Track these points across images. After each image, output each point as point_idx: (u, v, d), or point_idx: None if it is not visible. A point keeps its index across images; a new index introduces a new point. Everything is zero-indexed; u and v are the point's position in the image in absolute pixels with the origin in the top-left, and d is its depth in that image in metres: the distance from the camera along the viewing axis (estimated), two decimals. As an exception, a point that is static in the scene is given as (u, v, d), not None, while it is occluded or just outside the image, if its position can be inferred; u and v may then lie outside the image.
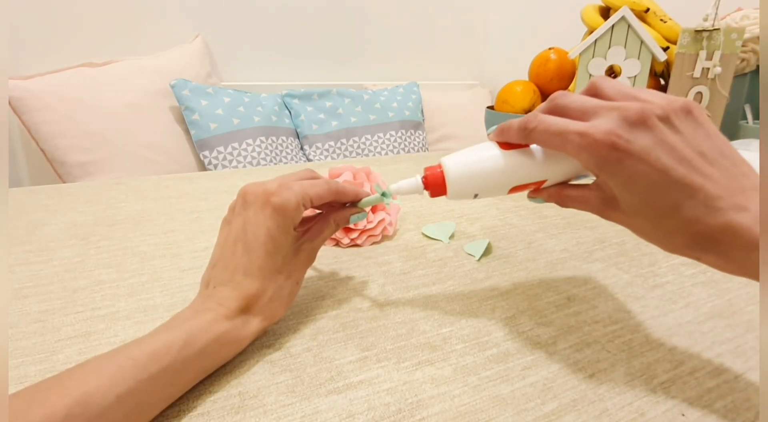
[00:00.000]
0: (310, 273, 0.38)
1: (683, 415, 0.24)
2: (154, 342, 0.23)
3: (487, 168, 0.27)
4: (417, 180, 0.29)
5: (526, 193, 0.30)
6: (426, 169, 0.29)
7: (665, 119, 0.22)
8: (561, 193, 0.28)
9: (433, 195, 0.29)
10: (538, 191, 0.29)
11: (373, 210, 0.44)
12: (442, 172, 0.28)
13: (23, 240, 0.44)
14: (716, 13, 0.60)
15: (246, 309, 0.27)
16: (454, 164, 0.28)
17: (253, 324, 0.27)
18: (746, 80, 0.73)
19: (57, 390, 0.20)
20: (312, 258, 0.31)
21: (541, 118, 0.24)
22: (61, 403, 0.19)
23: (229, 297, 0.26)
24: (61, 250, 0.42)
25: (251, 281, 0.27)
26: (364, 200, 0.33)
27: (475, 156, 0.28)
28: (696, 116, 0.23)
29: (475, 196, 0.28)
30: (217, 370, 0.26)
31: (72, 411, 0.19)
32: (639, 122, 0.22)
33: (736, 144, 0.43)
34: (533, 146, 0.27)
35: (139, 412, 0.21)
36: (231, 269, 0.27)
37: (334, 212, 0.32)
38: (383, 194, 0.31)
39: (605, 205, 0.25)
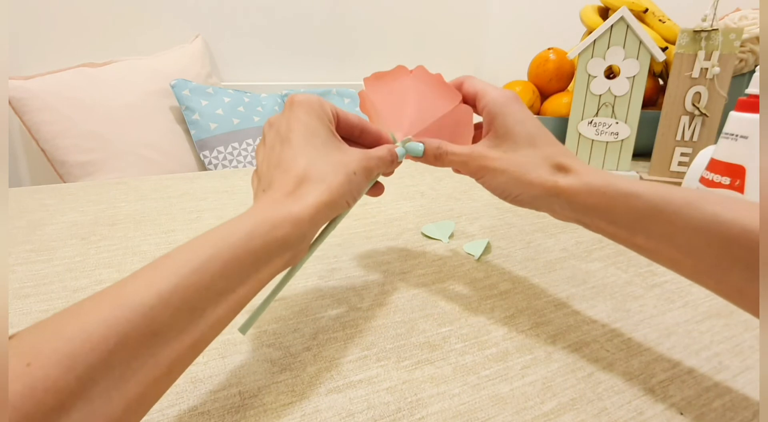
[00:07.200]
0: (309, 273, 0.38)
1: (681, 414, 0.24)
2: (188, 245, 0.21)
3: None
4: None
5: None
6: None
7: None
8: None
9: None
10: None
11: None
12: None
13: (24, 240, 0.44)
14: (715, 14, 0.60)
15: (299, 184, 0.25)
16: None
17: (311, 197, 0.24)
18: (744, 80, 0.73)
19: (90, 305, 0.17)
20: (365, 163, 0.28)
21: None
22: (101, 315, 0.17)
23: (281, 182, 0.25)
24: (61, 250, 0.42)
25: (297, 160, 0.25)
26: (404, 142, 0.32)
27: None
28: None
29: None
30: (216, 369, 0.26)
31: (110, 315, 0.17)
32: None
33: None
34: None
35: (188, 309, 0.19)
36: (274, 164, 0.26)
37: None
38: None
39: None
